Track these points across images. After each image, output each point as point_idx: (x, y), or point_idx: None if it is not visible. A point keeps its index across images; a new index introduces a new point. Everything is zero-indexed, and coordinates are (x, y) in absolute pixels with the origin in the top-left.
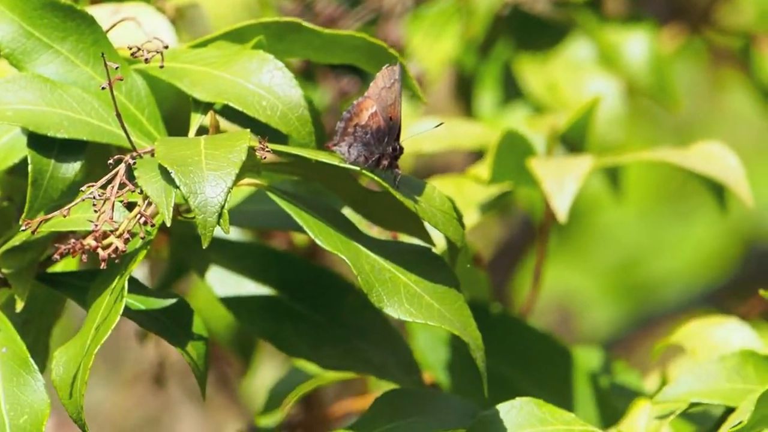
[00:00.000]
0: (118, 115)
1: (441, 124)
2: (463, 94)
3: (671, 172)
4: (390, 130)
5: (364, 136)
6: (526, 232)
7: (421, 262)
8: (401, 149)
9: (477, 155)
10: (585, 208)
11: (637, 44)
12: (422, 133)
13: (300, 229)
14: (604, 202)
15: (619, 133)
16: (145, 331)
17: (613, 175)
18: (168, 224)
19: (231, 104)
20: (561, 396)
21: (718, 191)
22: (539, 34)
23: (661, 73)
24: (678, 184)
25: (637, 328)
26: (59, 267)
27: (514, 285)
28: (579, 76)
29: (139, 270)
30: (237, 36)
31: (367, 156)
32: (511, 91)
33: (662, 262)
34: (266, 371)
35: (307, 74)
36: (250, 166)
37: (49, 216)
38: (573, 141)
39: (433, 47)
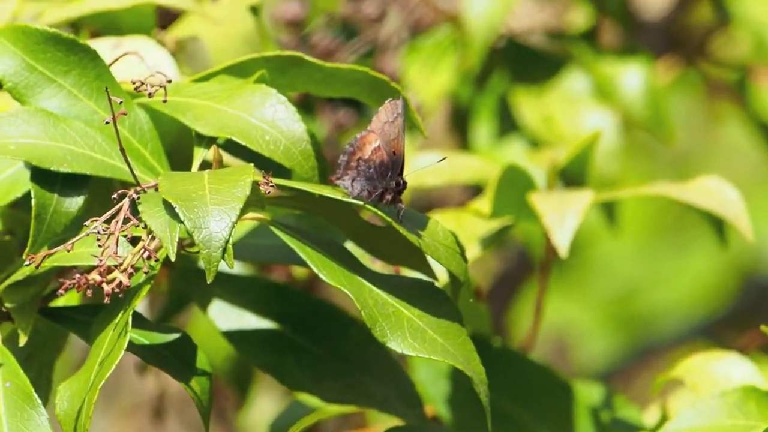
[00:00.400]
0: (122, 150)
1: (444, 159)
2: (459, 127)
3: (668, 204)
4: (393, 165)
5: (368, 170)
6: (523, 265)
7: (424, 297)
8: (405, 184)
9: (474, 188)
10: (583, 241)
11: (632, 77)
12: (425, 168)
13: (303, 264)
14: (602, 234)
15: (616, 167)
16: (145, 363)
17: (610, 208)
18: (172, 259)
19: (234, 138)
20: (562, 430)
21: (717, 225)
22: (535, 67)
23: (656, 106)
24: (675, 216)
25: (635, 360)
26: (62, 301)
27: (512, 317)
28: (575, 109)
29: (140, 303)
30: (239, 70)
31: (370, 190)
32: (507, 123)
33: (660, 294)
34: (263, 404)
35: (305, 106)
36: (254, 200)
37: (53, 251)
38: (573, 175)
39: (429, 79)
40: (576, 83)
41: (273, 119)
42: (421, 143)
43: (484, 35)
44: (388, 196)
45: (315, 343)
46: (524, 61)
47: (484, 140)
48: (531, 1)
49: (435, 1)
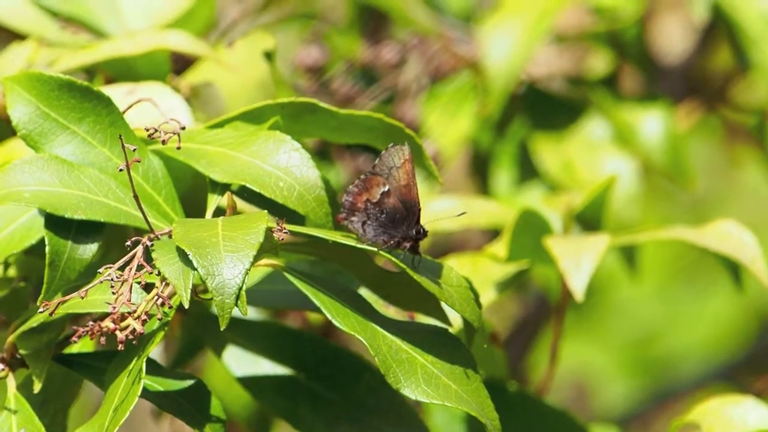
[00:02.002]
0: (136, 197)
1: (463, 213)
2: (479, 172)
3: (686, 248)
4: (409, 213)
5: (379, 216)
6: (542, 309)
7: (438, 343)
8: (425, 233)
9: (492, 232)
10: (600, 284)
11: (652, 123)
12: (443, 218)
13: (317, 310)
14: (620, 277)
15: (635, 212)
16: (159, 410)
17: (629, 252)
18: (186, 306)
19: (248, 185)
20: None
21: (733, 269)
22: (555, 113)
23: (676, 151)
24: (693, 259)
25: (654, 404)
26: (76, 348)
27: (530, 361)
28: (594, 154)
29: (154, 349)
30: (254, 116)
31: (386, 239)
32: (527, 169)
33: (678, 338)
34: None
35: (322, 153)
36: (268, 247)
37: (67, 298)
38: (589, 219)
39: (449, 125)
40: (596, 129)
41: (287, 166)
42: (440, 189)
43: (504, 81)
44: (407, 244)
45: (329, 388)
46: (544, 107)
47: (504, 186)
48: (550, 47)
49: (455, 48)
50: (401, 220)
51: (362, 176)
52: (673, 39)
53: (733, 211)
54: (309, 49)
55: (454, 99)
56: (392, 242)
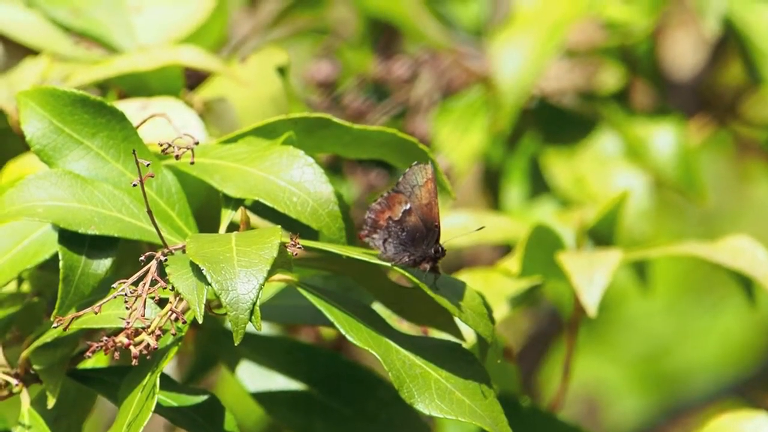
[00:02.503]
0: (149, 212)
1: (482, 228)
2: (491, 188)
3: (697, 263)
4: (429, 232)
5: (401, 234)
6: (554, 324)
7: (452, 358)
8: (444, 252)
9: (503, 248)
10: (612, 300)
11: (664, 138)
12: (460, 235)
13: (330, 325)
14: (631, 293)
15: (647, 227)
16: (173, 425)
17: (640, 267)
18: (200, 321)
19: (262, 200)
20: None
21: (746, 284)
22: (566, 128)
23: (688, 166)
24: (705, 275)
25: (665, 419)
26: (90, 363)
27: (542, 376)
28: (606, 170)
29: (167, 364)
30: (267, 131)
31: (408, 257)
32: (539, 184)
33: (689, 353)
34: None
35: (334, 168)
36: (282, 262)
37: (81, 313)
38: (602, 235)
39: (460, 140)
40: (607, 144)
41: (300, 181)
42: (451, 204)
43: (516, 96)
44: (427, 265)
45: (343, 404)
46: (555, 122)
47: (515, 201)
48: (562, 62)
49: (466, 63)
50: (421, 238)
51: (385, 194)
52: (685, 54)
53: (744, 226)
54: (320, 64)
55: (466, 114)
56: (412, 260)
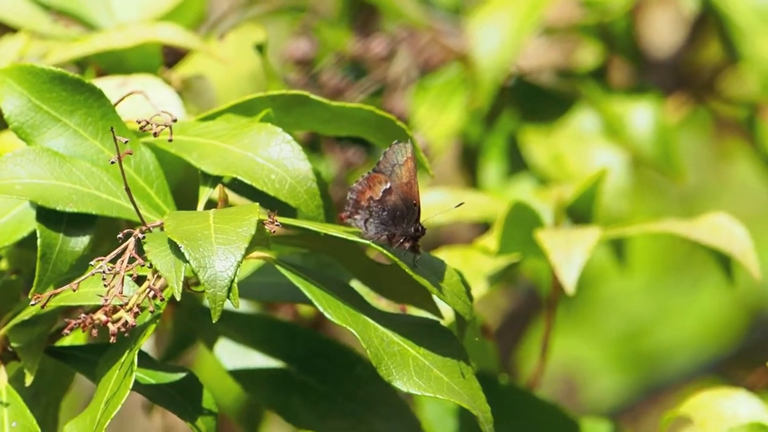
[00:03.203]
0: (127, 190)
1: (462, 204)
2: (468, 165)
3: (676, 241)
4: (409, 211)
5: (381, 213)
6: (532, 302)
7: (430, 335)
8: (424, 230)
9: (481, 226)
10: (590, 278)
11: (642, 115)
12: (439, 213)
13: (309, 302)
14: (610, 271)
15: (625, 205)
16: (151, 403)
17: (619, 246)
18: (178, 298)
19: (240, 177)
20: None
21: (724, 262)
22: (544, 105)
23: (666, 144)
24: (683, 253)
25: (643, 398)
26: (68, 340)
27: (521, 354)
28: (584, 147)
29: (145, 342)
30: (245, 109)
31: (388, 236)
32: (517, 162)
33: (668, 332)
34: None
35: (312, 145)
36: (260, 239)
37: (59, 290)
38: (580, 212)
39: (438, 118)
40: (585, 122)
41: (279, 158)
42: (429, 181)
43: (494, 74)
44: (407, 244)
45: (321, 381)
46: (533, 100)
47: (493, 179)
48: (540, 40)
49: (444, 40)
50: (401, 217)
51: (366, 174)
52: (663, 31)
53: (722, 204)
54: (298, 42)
55: (444, 92)
56: (396, 241)
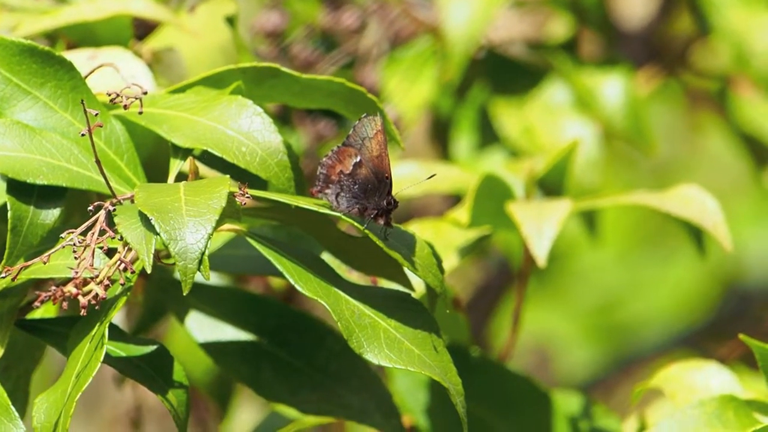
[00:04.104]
0: (98, 162)
1: (433, 176)
2: (440, 138)
3: (649, 214)
4: (380, 184)
5: (353, 187)
6: (504, 275)
7: (401, 308)
8: (396, 203)
9: (453, 198)
10: (562, 251)
11: (612, 87)
12: (411, 186)
13: (280, 275)
14: (582, 244)
15: (597, 177)
16: (123, 376)
17: (590, 218)
18: (148, 271)
19: (210, 150)
20: None
21: (696, 234)
22: (515, 78)
23: (637, 116)
24: (656, 225)
25: (616, 370)
26: (38, 313)
27: (493, 327)
28: (555, 119)
29: (116, 315)
30: (215, 81)
31: (360, 209)
32: (488, 134)
33: (640, 304)
34: (244, 415)
35: (283, 118)
36: (230, 212)
37: (29, 263)
38: (551, 185)
39: (409, 90)
40: (556, 94)
41: (249, 130)
42: (400, 154)
43: (465, 46)
44: (381, 220)
45: (292, 354)
46: (504, 72)
47: (464, 151)
48: (511, 12)
49: (415, 13)
50: (373, 190)
51: (335, 148)
52: (634, 3)
53: (694, 177)
54: (269, 14)
55: (415, 64)
56: (365, 213)
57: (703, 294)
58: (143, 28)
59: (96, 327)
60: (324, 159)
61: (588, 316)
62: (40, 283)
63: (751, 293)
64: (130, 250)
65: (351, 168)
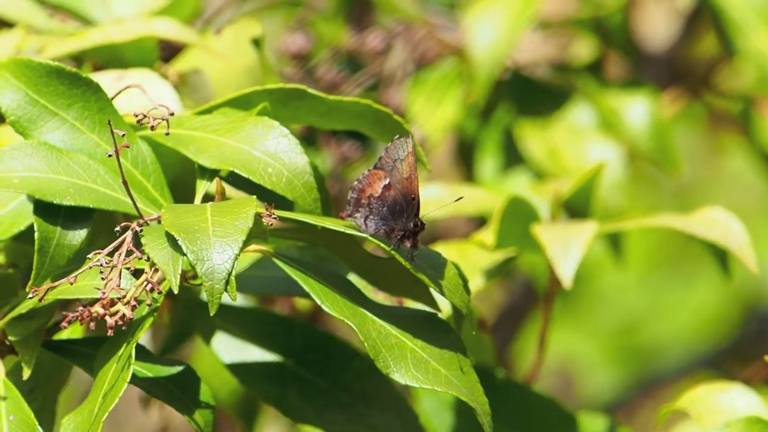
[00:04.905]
0: (125, 183)
1: (461, 198)
2: (464, 159)
3: (671, 235)
4: (408, 206)
5: (381, 209)
6: (528, 296)
7: (428, 328)
8: (423, 225)
9: (477, 220)
10: (586, 272)
11: (637, 109)
12: (438, 208)
13: (306, 295)
14: (605, 265)
15: (622, 198)
16: (149, 396)
17: (614, 240)
18: (175, 291)
19: (237, 171)
20: None
21: (720, 256)
22: (540, 99)
23: (661, 137)
24: (678, 247)
25: (639, 392)
26: (65, 334)
27: (517, 349)
28: (580, 141)
29: (143, 335)
30: (242, 102)
31: (387, 231)
32: (512, 156)
33: (663, 326)
34: None
35: (309, 139)
36: (257, 232)
37: (56, 283)
38: (576, 207)
39: (434, 112)
40: (581, 115)
41: (276, 152)
42: (426, 176)
43: (490, 68)
44: (408, 242)
45: (318, 375)
46: (529, 94)
47: (489, 173)
48: (535, 34)
49: (440, 35)
50: (401, 212)
51: (365, 172)
52: (658, 25)
53: (717, 199)
54: (294, 36)
55: (440, 86)
56: (396, 237)
57: (724, 316)
58: (169, 50)
59: (123, 347)
60: (354, 183)
61: (610, 337)
62: (66, 304)
63: None
64: (156, 270)
65: (380, 191)
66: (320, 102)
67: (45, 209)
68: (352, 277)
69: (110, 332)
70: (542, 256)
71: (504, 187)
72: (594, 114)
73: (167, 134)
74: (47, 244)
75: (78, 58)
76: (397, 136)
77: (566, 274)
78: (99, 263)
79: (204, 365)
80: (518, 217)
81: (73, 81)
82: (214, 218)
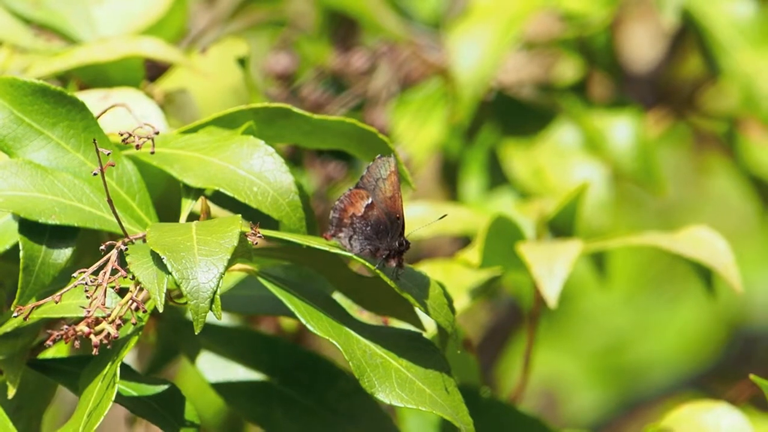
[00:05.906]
0: (110, 202)
1: (444, 216)
2: (449, 179)
3: (656, 255)
4: (393, 225)
5: (365, 229)
6: (513, 316)
7: (412, 348)
8: (408, 245)
9: (462, 240)
10: (571, 292)
11: (622, 129)
12: (421, 227)
13: (291, 315)
14: (590, 285)
15: (606, 218)
16: (134, 415)
17: (599, 259)
18: (160, 310)
19: (222, 190)
20: None
21: (705, 276)
22: (524, 119)
23: (646, 158)
24: (662, 267)
25: (623, 412)
26: (50, 353)
27: (502, 368)
28: (564, 161)
29: (128, 354)
30: (227, 121)
31: (372, 250)
32: (497, 176)
33: (648, 346)
34: None
35: (294, 159)
36: (242, 251)
37: (41, 302)
38: (561, 226)
39: (419, 132)
40: (565, 136)
41: (261, 170)
42: (411, 195)
43: (474, 88)
44: (393, 261)
45: (303, 394)
46: (514, 114)
47: (474, 193)
48: (520, 54)
49: (424, 55)
50: (385, 231)
51: (347, 191)
52: (643, 46)
53: (702, 219)
54: (279, 56)
55: (424, 106)
56: (381, 256)
57: (709, 336)
58: (155, 70)
59: (108, 366)
60: (336, 203)
61: (595, 357)
62: (51, 323)
63: (757, 335)
64: (141, 289)
65: (363, 210)
66: (305, 121)
67: (30, 228)
68: (337, 297)
69: (95, 351)
70: (527, 275)
71: (489, 207)
72: (579, 134)
73: (152, 153)
74: (32, 263)
75: (63, 78)
76: (379, 155)
77: (551, 293)
78: (84, 282)
79: (189, 384)
80: (503, 237)
81: (58, 100)
82: (199, 237)
